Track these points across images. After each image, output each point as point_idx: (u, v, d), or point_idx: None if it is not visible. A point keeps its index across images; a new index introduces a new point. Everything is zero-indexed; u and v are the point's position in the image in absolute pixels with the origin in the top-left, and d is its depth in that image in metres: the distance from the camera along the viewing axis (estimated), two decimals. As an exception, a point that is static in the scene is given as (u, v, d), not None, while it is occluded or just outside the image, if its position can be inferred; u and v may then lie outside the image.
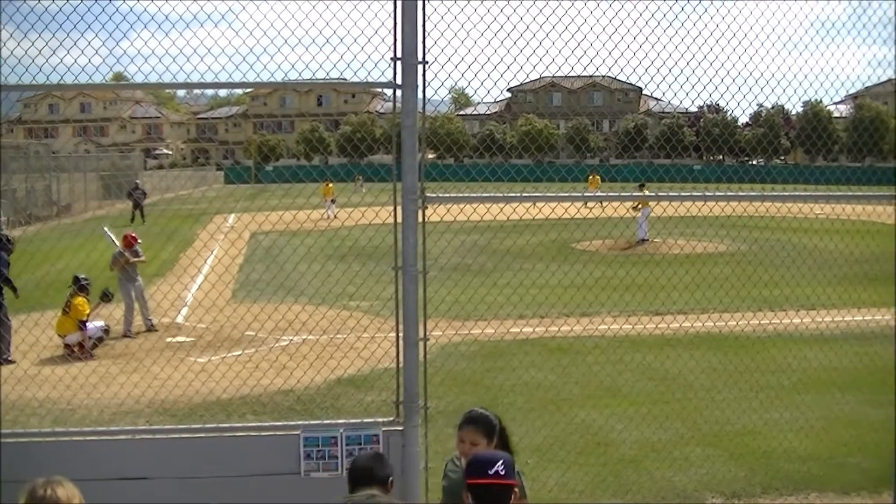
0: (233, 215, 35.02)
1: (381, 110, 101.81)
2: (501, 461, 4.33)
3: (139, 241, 17.56)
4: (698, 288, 15.71)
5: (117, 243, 17.05)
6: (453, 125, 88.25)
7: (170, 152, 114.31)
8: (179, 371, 11.83)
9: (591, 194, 10.94)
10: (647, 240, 29.50)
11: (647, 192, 27.58)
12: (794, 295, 16.49)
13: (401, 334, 6.39)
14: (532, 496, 5.89)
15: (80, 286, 15.16)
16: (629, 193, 9.34)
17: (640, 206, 28.30)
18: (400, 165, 6.25)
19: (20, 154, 42.95)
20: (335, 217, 35.83)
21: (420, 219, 6.31)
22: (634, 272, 19.27)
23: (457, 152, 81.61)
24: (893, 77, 19.05)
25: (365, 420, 6.77)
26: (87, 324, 15.00)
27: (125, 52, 7.08)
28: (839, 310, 16.64)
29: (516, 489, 4.40)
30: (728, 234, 26.87)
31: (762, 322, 15.93)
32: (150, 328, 16.87)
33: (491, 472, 4.25)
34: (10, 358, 14.05)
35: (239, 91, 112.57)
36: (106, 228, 17.52)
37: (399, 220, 6.27)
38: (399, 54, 6.14)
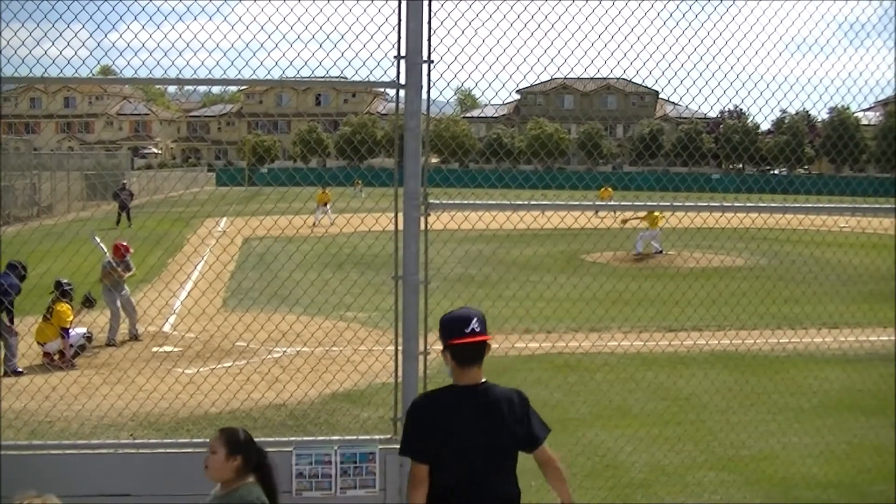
0: (225, 219, 35.05)
1: (383, 111, 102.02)
2: (475, 319, 4.86)
3: (131, 251, 17.53)
4: (714, 304, 15.70)
5: (107, 253, 17.03)
6: (459, 128, 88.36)
7: (159, 151, 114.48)
8: (166, 383, 11.82)
9: (603, 203, 10.93)
10: (662, 251, 29.54)
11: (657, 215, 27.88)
12: (816, 312, 16.50)
13: (400, 347, 6.41)
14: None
15: (62, 292, 15.16)
16: (643, 203, 9.37)
17: (644, 222, 28.50)
18: (402, 169, 6.27)
19: (-1, 150, 42.97)
20: (332, 223, 35.83)
21: (422, 226, 6.33)
22: (647, 286, 19.25)
23: (462, 156, 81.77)
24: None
25: (361, 437, 6.79)
26: (70, 331, 15.01)
27: (113, 44, 7.11)
28: (864, 329, 16.63)
29: (490, 342, 4.94)
30: (747, 248, 26.88)
31: (781, 341, 15.93)
32: (135, 338, 16.87)
33: (467, 330, 4.81)
34: (17, 369, 14.22)
35: (233, 88, 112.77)
36: (96, 237, 17.51)
37: (400, 227, 6.29)
38: (403, 53, 6.17)
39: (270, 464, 5.22)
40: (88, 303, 15.95)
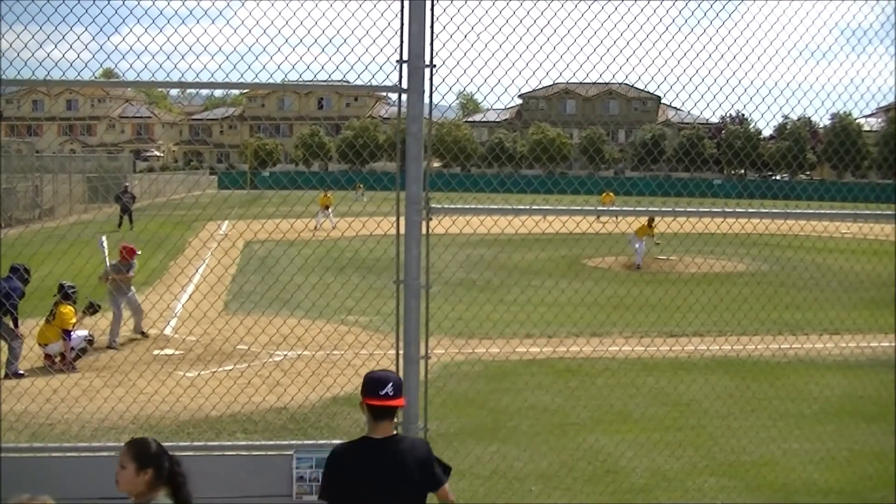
0: (226, 222, 35.05)
1: (385, 115, 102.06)
2: (391, 384, 5.35)
3: (138, 252, 17.50)
4: (715, 309, 15.69)
5: (108, 260, 17.03)
6: (461, 132, 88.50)
7: (161, 154, 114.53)
8: (167, 386, 11.82)
9: (605, 208, 10.93)
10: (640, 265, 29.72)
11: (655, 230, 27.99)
12: (818, 318, 16.48)
13: (401, 352, 6.40)
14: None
15: (65, 294, 15.14)
16: (644, 208, 9.37)
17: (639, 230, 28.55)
18: (404, 174, 6.27)
19: (1, 152, 42.99)
20: (334, 227, 35.84)
21: (424, 230, 6.33)
22: (648, 291, 19.28)
23: (464, 161, 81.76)
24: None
25: (361, 441, 6.77)
26: (71, 333, 15.00)
27: (116, 47, 7.13)
28: (865, 335, 16.60)
29: (401, 407, 5.64)
30: (749, 253, 26.89)
31: (783, 346, 15.92)
32: (142, 334, 16.97)
33: (381, 393, 5.30)
34: (19, 371, 14.26)
35: (235, 92, 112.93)
36: (104, 239, 17.49)
37: (402, 231, 6.28)
38: (405, 57, 6.16)
39: (184, 472, 5.13)
40: (92, 309, 15.93)
